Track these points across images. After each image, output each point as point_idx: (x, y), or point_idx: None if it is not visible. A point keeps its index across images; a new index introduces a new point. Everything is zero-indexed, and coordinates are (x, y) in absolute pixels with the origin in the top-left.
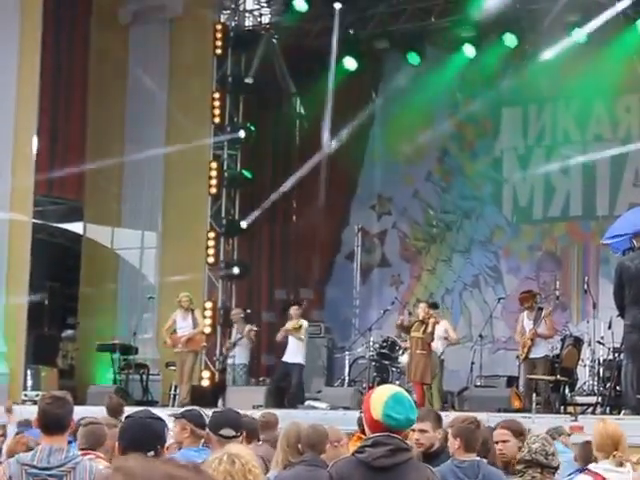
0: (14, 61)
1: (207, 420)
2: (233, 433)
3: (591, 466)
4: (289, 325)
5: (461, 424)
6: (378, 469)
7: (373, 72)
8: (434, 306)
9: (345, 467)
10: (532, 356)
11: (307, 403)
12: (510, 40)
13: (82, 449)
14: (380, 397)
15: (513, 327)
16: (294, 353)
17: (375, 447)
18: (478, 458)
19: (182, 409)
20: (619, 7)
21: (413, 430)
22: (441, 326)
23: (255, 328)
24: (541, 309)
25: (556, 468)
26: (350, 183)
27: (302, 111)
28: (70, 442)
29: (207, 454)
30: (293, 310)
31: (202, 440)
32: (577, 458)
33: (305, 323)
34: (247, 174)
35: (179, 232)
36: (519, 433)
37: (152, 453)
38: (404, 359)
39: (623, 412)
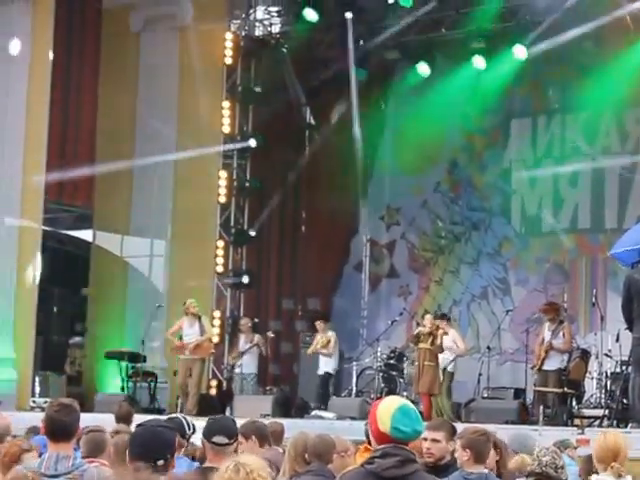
0: (25, 66)
1: (187, 429)
2: (226, 440)
3: (593, 478)
4: (317, 344)
5: (471, 435)
6: None
7: (383, 82)
8: (443, 317)
9: (354, 478)
10: (545, 368)
11: (314, 413)
12: (519, 52)
13: (84, 457)
14: (387, 410)
15: (521, 339)
16: (324, 364)
17: (384, 458)
18: (486, 470)
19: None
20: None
21: (425, 439)
22: (450, 336)
23: (272, 334)
24: (562, 322)
25: None
26: (359, 193)
27: (312, 121)
28: (75, 449)
29: (187, 464)
30: (318, 324)
31: (182, 449)
32: (581, 472)
33: (333, 336)
34: (256, 183)
35: (188, 240)
36: (496, 445)
37: (162, 462)
38: (411, 370)
39: (630, 425)
